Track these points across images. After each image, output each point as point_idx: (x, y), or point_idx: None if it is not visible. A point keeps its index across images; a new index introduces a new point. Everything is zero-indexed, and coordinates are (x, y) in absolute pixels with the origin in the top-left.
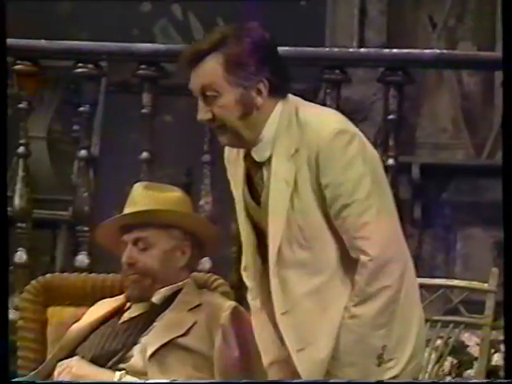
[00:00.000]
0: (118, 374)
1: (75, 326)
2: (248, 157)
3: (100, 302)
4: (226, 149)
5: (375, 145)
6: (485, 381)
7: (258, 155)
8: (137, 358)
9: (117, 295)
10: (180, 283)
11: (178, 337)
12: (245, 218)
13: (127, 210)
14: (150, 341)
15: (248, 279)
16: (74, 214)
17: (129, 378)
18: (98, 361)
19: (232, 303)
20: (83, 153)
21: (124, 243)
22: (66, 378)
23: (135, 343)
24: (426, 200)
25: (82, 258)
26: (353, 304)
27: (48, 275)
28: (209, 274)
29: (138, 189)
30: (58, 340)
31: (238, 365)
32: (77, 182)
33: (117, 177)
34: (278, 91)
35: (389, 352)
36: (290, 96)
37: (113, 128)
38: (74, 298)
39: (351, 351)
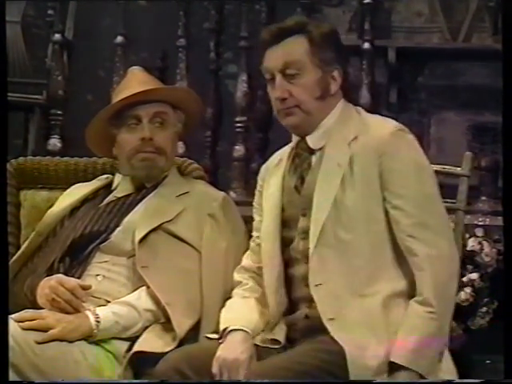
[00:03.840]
0: (89, 314)
1: (50, 211)
2: (300, 144)
3: (74, 186)
4: (266, 164)
5: (351, 29)
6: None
7: (313, 142)
8: (121, 238)
9: (90, 179)
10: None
11: (166, 222)
12: (277, 209)
13: (132, 90)
14: (139, 224)
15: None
16: (48, 98)
17: (106, 280)
18: (80, 243)
19: (221, 193)
20: (57, 37)
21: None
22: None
23: (118, 225)
24: (402, 84)
25: (55, 142)
26: (429, 295)
27: (20, 158)
28: (183, 159)
29: (136, 71)
30: (31, 223)
31: (226, 255)
32: (51, 65)
33: (91, 61)
34: (345, 87)
35: None
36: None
37: (87, 12)
38: (47, 181)
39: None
